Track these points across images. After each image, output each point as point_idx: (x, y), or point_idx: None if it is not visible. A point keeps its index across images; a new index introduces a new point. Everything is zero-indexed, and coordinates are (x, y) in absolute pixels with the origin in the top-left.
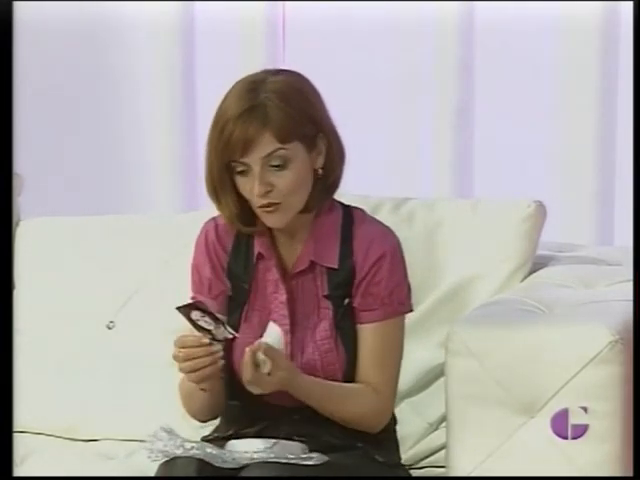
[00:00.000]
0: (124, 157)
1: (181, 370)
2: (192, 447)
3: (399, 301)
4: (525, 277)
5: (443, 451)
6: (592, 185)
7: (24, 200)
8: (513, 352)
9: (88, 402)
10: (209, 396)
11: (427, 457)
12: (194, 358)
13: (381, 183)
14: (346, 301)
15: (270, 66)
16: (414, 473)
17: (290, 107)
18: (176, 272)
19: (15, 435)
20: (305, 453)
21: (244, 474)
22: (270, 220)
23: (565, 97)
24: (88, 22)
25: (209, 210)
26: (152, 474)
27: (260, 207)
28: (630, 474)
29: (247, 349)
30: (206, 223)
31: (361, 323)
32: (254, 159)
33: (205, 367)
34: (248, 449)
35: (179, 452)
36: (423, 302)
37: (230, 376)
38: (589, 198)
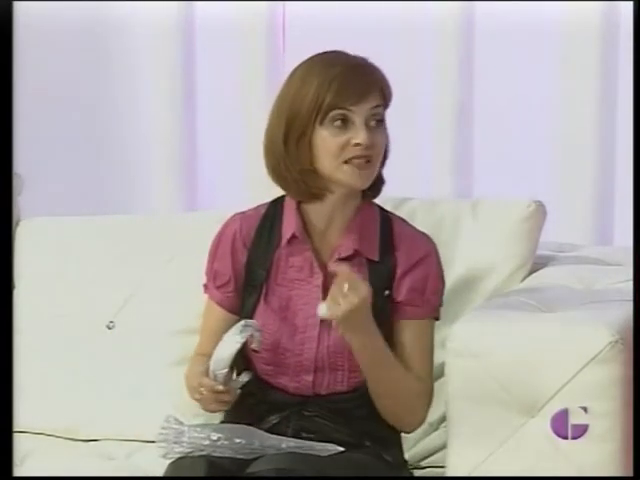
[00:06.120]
0: (124, 157)
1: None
2: (219, 438)
3: (440, 303)
4: (525, 277)
5: (443, 451)
6: (592, 185)
7: (24, 200)
8: (513, 352)
9: (88, 402)
10: None
11: (427, 457)
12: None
13: None
14: (386, 292)
15: (270, 66)
16: (415, 473)
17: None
18: (176, 272)
19: (15, 435)
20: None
21: (251, 469)
22: (359, 176)
23: (565, 97)
24: (88, 22)
25: (209, 210)
26: (152, 474)
27: (357, 158)
28: (630, 474)
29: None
30: (231, 219)
31: (406, 318)
32: (363, 109)
33: (212, 404)
34: (279, 446)
35: (206, 443)
36: None
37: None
38: (589, 198)
